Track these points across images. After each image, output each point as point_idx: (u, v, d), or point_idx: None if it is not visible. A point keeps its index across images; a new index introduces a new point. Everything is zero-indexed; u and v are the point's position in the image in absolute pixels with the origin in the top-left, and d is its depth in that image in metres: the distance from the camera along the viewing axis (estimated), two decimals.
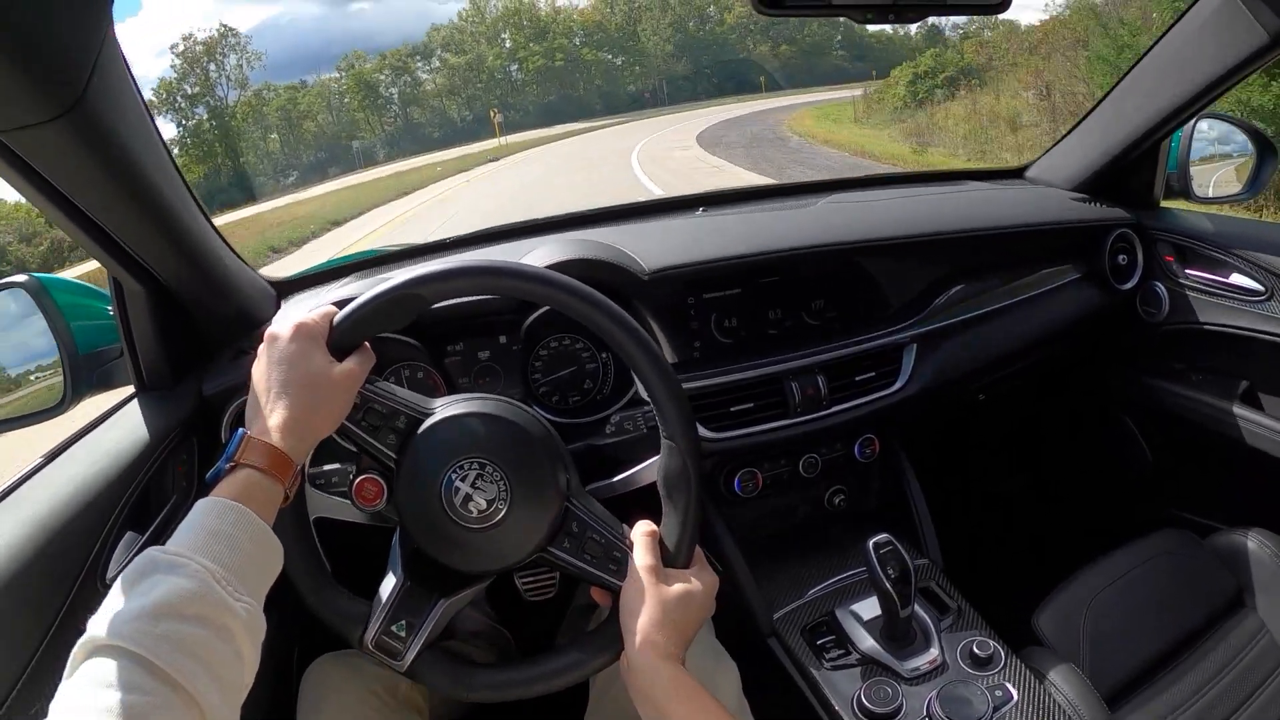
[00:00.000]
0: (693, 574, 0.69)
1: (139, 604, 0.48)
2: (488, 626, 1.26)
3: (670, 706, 0.59)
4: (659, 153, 17.69)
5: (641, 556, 0.68)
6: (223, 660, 0.50)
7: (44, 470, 0.75)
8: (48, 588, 0.65)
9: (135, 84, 0.68)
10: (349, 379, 0.65)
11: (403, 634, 0.69)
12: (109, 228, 0.74)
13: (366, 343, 0.69)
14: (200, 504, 0.56)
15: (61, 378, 0.88)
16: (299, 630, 1.13)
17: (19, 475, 0.74)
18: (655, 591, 0.65)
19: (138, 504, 0.77)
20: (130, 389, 0.91)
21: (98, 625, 0.48)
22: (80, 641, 0.48)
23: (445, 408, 0.71)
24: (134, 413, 0.86)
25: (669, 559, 0.69)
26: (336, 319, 0.67)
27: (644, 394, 0.72)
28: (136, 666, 0.45)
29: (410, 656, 0.69)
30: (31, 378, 0.93)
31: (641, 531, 0.70)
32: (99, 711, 0.43)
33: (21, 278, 0.89)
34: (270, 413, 0.61)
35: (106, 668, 0.45)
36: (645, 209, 1.39)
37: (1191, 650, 1.06)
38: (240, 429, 0.61)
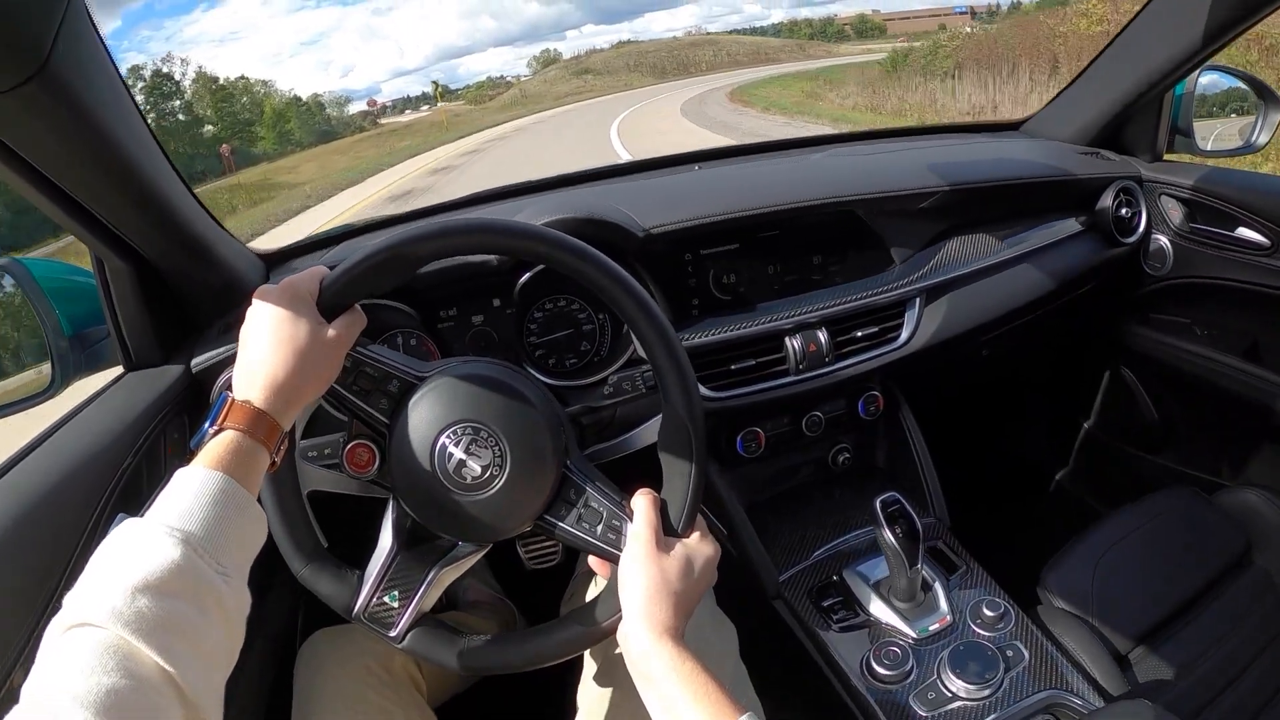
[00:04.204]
0: (694, 544, 0.67)
1: (116, 578, 0.46)
2: (490, 597, 1.25)
3: (668, 684, 0.57)
4: None
5: (642, 525, 0.66)
6: (204, 637, 0.48)
7: (32, 454, 0.73)
8: (39, 573, 0.64)
9: (106, 49, 0.66)
10: (338, 341, 0.63)
11: (395, 604, 0.68)
12: (86, 203, 0.72)
13: (358, 305, 0.67)
14: (181, 472, 0.54)
15: (49, 361, 0.86)
16: (302, 606, 1.13)
17: (6, 460, 0.72)
18: (655, 562, 0.63)
19: (129, 484, 0.75)
20: (119, 369, 0.90)
21: (74, 601, 0.46)
22: (55, 619, 0.46)
23: (439, 372, 0.69)
24: (122, 392, 0.84)
25: (670, 528, 0.67)
26: (326, 280, 0.65)
27: (642, 353, 0.69)
28: (113, 645, 0.43)
29: (402, 627, 0.68)
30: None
31: (642, 500, 0.68)
32: (73, 696, 0.41)
33: (2, 261, 0.87)
34: (257, 375, 0.59)
35: (81, 647, 0.43)
36: (640, 167, 1.37)
37: (1200, 607, 1.06)
38: (225, 392, 0.59)
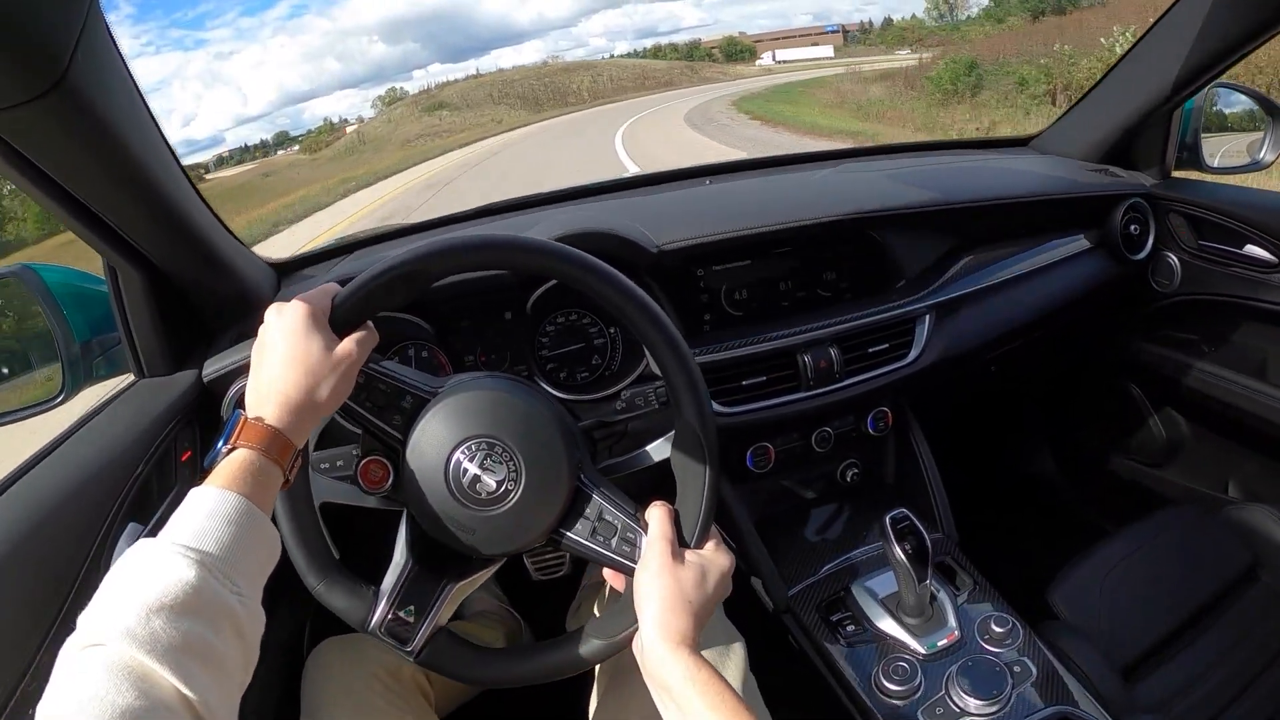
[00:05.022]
0: (709, 554, 0.68)
1: (131, 599, 0.46)
2: (496, 607, 1.25)
3: (685, 695, 0.58)
4: None
5: (656, 537, 0.66)
6: (218, 656, 0.48)
7: (44, 462, 0.73)
8: (50, 581, 0.64)
9: (124, 60, 0.66)
10: (350, 358, 0.63)
11: (410, 619, 0.68)
12: (101, 212, 0.72)
13: (370, 321, 0.67)
14: (194, 492, 0.54)
15: (60, 368, 0.86)
16: (311, 616, 1.13)
17: (17, 467, 0.72)
18: (671, 574, 0.64)
19: (140, 493, 0.75)
20: (130, 376, 0.90)
21: (89, 622, 0.46)
22: (70, 639, 0.46)
23: (452, 387, 0.69)
24: (134, 400, 0.84)
25: (684, 540, 0.68)
26: (338, 296, 0.65)
27: (655, 369, 0.69)
28: (127, 666, 0.43)
29: (418, 642, 0.68)
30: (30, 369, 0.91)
31: (656, 512, 0.68)
32: (88, 717, 0.41)
33: (15, 267, 0.87)
34: (269, 393, 0.59)
35: (96, 667, 0.43)
36: (653, 180, 1.37)
37: (1206, 624, 1.06)
38: (238, 410, 0.60)
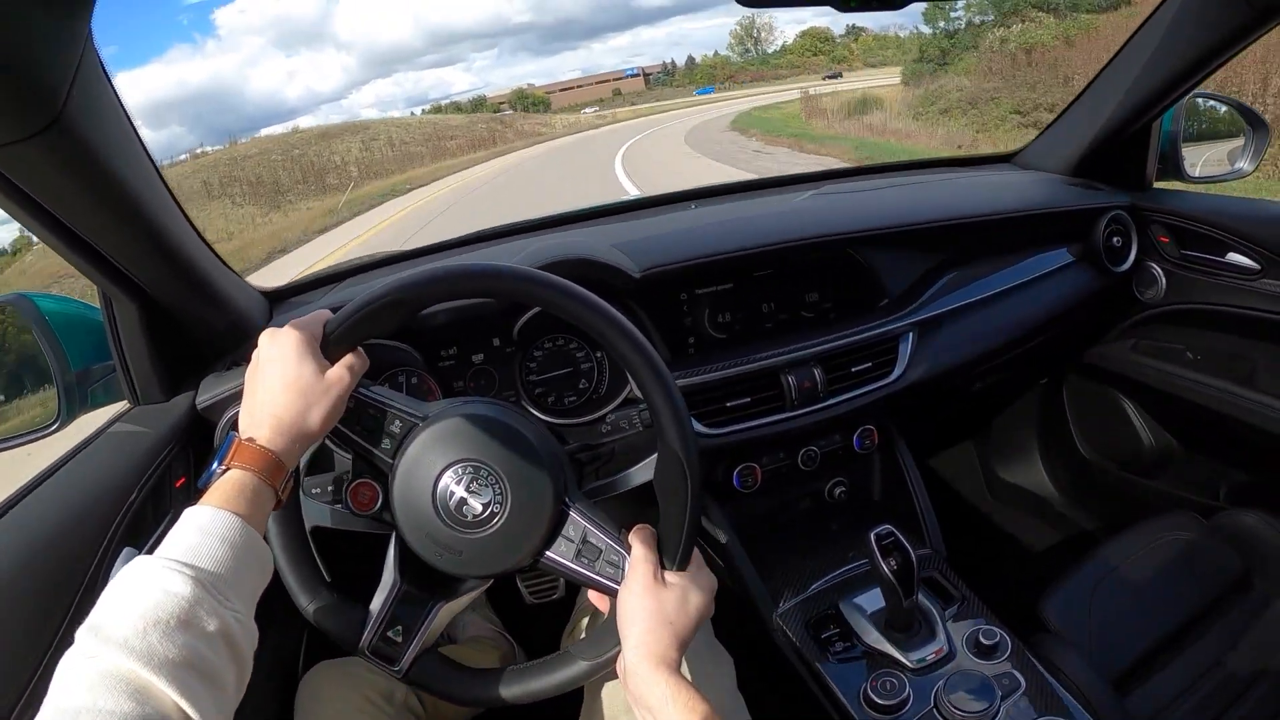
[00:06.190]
0: (691, 577, 0.69)
1: (127, 614, 0.47)
2: (490, 631, 1.25)
3: (667, 716, 0.58)
4: None
5: (639, 560, 0.67)
6: (213, 670, 0.49)
7: (39, 488, 0.74)
8: (46, 605, 0.65)
9: (118, 96, 0.68)
10: (341, 383, 0.65)
11: (399, 639, 0.69)
12: (96, 243, 0.74)
13: (360, 347, 0.69)
14: (189, 511, 0.55)
15: (55, 396, 0.87)
16: (305, 636, 1.13)
17: (14, 493, 0.73)
18: (653, 595, 0.65)
19: (135, 518, 0.76)
20: (125, 404, 0.91)
21: (85, 636, 0.47)
22: (67, 653, 0.47)
23: (440, 412, 0.71)
24: (129, 427, 0.86)
25: (667, 562, 0.69)
26: (330, 323, 0.67)
27: (639, 393, 0.71)
28: (124, 679, 0.44)
29: (406, 662, 0.69)
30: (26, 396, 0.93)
31: (639, 535, 0.69)
32: None
33: (10, 296, 0.89)
34: (262, 416, 0.61)
35: (93, 680, 0.44)
36: (637, 205, 1.39)
37: (1198, 633, 1.06)
38: (232, 433, 0.61)
